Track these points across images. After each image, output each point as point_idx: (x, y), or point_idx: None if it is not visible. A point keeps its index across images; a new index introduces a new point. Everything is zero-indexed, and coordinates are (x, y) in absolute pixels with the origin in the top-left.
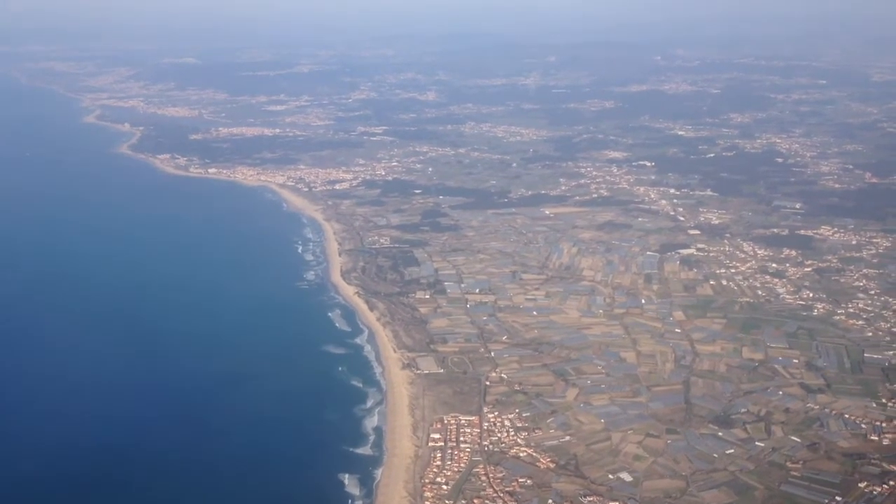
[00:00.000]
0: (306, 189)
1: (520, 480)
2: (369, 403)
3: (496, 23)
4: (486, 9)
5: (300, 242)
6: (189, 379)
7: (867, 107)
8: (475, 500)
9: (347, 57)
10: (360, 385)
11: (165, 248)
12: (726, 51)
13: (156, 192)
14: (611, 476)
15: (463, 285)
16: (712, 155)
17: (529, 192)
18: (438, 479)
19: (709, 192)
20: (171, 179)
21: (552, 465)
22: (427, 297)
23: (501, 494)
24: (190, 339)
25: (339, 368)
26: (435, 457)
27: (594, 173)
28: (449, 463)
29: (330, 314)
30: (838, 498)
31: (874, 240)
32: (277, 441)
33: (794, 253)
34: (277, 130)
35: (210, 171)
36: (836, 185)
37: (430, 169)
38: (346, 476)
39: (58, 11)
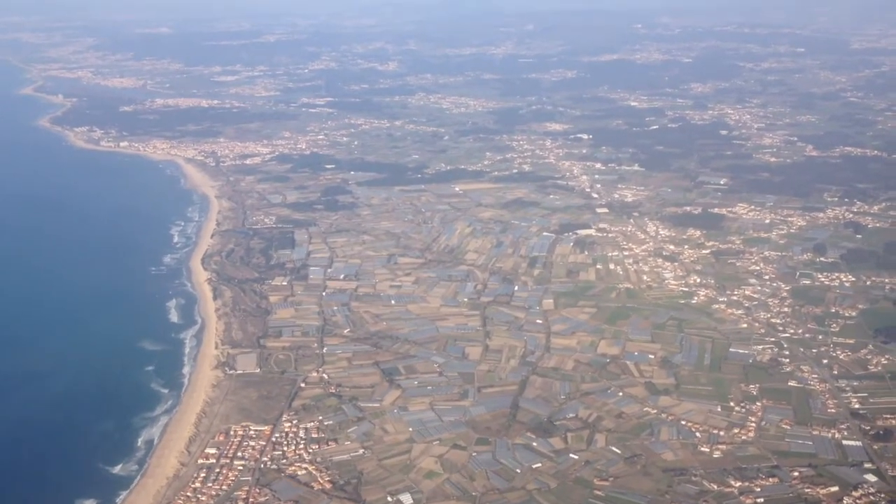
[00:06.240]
0: (213, 164)
1: None
2: (158, 410)
3: None
4: None
5: (180, 222)
6: None
7: (837, 76)
8: None
9: (325, 26)
10: (161, 388)
11: (23, 228)
12: (712, 18)
13: (51, 168)
14: (389, 498)
15: (329, 270)
16: (656, 127)
17: (448, 167)
18: None
19: (635, 167)
20: (77, 153)
21: (328, 486)
22: (284, 283)
23: None
24: None
25: (147, 368)
26: (197, 477)
27: (525, 146)
28: (210, 485)
29: (168, 304)
30: None
31: (789, 218)
32: (26, 457)
33: (697, 233)
34: (215, 102)
35: (122, 144)
36: (772, 159)
37: (356, 142)
38: (85, 502)
39: None
